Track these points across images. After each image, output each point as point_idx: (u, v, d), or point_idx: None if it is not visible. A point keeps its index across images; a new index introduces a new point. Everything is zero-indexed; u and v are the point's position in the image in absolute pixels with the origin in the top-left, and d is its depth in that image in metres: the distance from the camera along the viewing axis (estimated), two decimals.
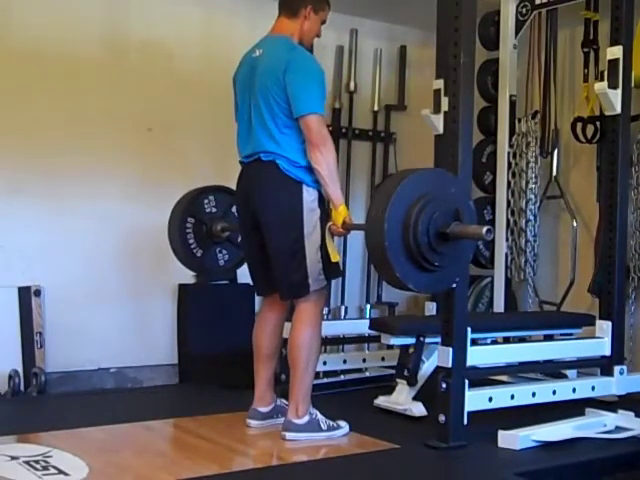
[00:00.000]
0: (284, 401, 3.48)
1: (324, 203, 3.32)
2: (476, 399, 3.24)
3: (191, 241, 3.90)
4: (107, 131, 4.55)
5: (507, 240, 4.84)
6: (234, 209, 4.05)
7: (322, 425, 3.32)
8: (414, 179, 2.92)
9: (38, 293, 4.36)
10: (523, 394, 3.45)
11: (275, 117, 3.28)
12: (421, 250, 2.84)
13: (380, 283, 5.46)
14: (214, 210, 3.96)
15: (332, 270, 3.34)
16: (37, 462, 2.86)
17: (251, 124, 3.38)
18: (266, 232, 3.31)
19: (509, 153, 4.84)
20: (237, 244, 3.98)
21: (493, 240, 4.85)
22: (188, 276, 4.58)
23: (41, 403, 4.03)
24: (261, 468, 3.01)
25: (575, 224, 4.84)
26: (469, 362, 3.22)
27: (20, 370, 4.18)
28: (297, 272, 3.27)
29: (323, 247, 3.28)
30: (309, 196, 3.27)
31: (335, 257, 3.29)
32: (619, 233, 3.78)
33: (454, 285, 3.07)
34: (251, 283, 4.71)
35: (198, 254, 3.92)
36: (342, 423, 3.39)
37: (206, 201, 3.95)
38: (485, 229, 2.84)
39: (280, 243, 3.28)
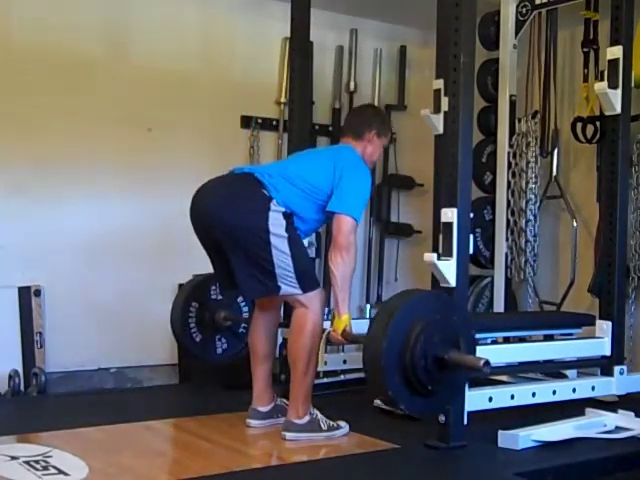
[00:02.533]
0: (284, 400, 3.49)
1: (291, 220, 3.28)
2: (476, 399, 3.24)
3: (192, 325, 3.93)
4: (107, 131, 4.55)
5: (507, 240, 4.84)
6: (240, 299, 4.06)
7: (322, 425, 3.32)
8: (418, 300, 2.96)
9: (38, 293, 4.36)
10: (523, 394, 3.45)
11: (304, 173, 3.31)
12: (416, 372, 2.85)
13: (380, 283, 5.46)
14: (219, 297, 3.99)
15: (308, 283, 3.29)
16: (37, 462, 2.86)
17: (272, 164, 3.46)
18: (223, 240, 3.25)
19: (509, 153, 4.84)
20: (238, 335, 4.02)
21: (493, 240, 4.88)
22: (188, 276, 4.58)
23: (41, 403, 4.03)
24: (261, 468, 3.01)
25: (575, 224, 4.84)
26: None
27: (20, 370, 4.18)
28: (261, 276, 3.23)
29: (298, 261, 3.24)
30: (275, 207, 3.23)
31: (320, 363, 3.33)
32: (619, 233, 3.78)
33: (444, 411, 3.08)
34: None
35: (197, 339, 3.95)
36: (342, 423, 3.39)
37: (213, 287, 3.98)
38: (483, 362, 2.83)
39: (241, 247, 3.22)
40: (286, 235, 3.23)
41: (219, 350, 4.02)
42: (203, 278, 3.96)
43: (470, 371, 2.93)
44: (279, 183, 3.28)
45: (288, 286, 3.26)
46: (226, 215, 3.23)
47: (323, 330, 3.33)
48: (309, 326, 3.29)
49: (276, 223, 3.22)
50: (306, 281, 3.28)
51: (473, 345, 3.05)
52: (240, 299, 4.07)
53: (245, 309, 4.09)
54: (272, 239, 3.20)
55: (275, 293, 3.30)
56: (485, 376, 2.96)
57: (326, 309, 4.73)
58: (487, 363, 2.82)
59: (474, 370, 2.88)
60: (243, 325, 4.02)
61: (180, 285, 4.66)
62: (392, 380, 2.85)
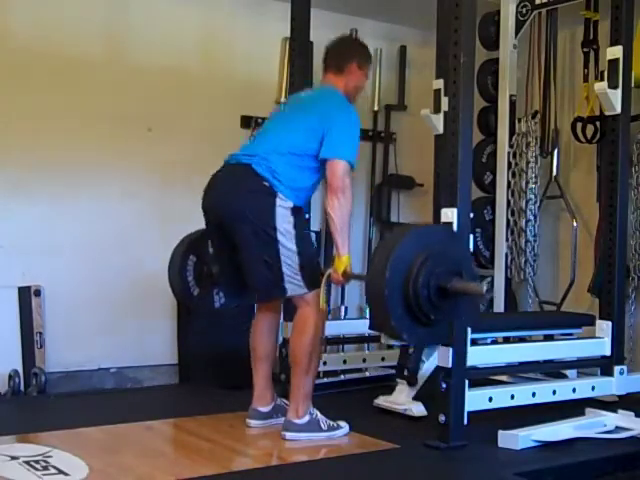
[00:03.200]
0: (284, 400, 3.49)
1: (300, 213, 3.31)
2: (476, 399, 3.24)
3: (189, 279, 3.91)
4: (107, 131, 4.55)
5: (507, 240, 4.84)
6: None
7: (322, 425, 3.32)
8: (419, 233, 2.97)
9: (38, 293, 4.36)
10: (523, 394, 3.45)
11: (291, 142, 3.30)
12: (420, 303, 2.86)
13: None
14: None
15: (313, 281, 3.30)
16: (37, 462, 2.86)
17: (267, 136, 3.41)
18: (235, 235, 3.27)
19: (509, 153, 4.84)
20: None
21: (493, 240, 4.88)
22: None
23: (41, 403, 4.02)
24: (261, 468, 3.00)
25: (575, 224, 4.84)
26: (469, 362, 3.22)
27: (20, 370, 4.18)
28: (269, 274, 3.24)
29: (304, 258, 3.26)
30: (282, 203, 3.24)
31: (323, 306, 3.29)
32: (619, 233, 3.79)
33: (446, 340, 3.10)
34: None
35: (194, 292, 3.93)
36: (342, 423, 3.39)
37: (210, 241, 3.96)
38: (485, 288, 2.86)
39: (250, 244, 3.24)
40: (293, 232, 3.24)
41: (217, 304, 3.99)
42: (202, 232, 3.93)
43: (472, 299, 2.92)
44: (277, 164, 3.26)
45: (294, 285, 3.26)
46: (236, 214, 3.24)
47: (327, 276, 3.28)
48: (311, 326, 3.29)
49: (283, 220, 3.23)
50: (311, 279, 3.29)
51: (474, 277, 3.05)
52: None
53: None
54: (279, 236, 3.21)
55: (281, 295, 3.31)
56: (485, 302, 2.98)
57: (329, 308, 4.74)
58: (489, 290, 2.84)
59: (476, 296, 2.88)
60: None
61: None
62: (395, 310, 2.84)
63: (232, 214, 3.26)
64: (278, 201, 3.23)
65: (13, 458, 2.89)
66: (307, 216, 4.12)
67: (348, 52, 3.53)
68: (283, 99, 5.01)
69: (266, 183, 3.25)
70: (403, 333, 2.92)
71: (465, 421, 3.17)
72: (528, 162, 4.80)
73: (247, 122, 4.98)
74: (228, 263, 3.40)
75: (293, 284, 3.26)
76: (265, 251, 3.22)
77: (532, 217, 4.81)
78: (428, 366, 3.73)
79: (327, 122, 3.28)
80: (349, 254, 3.30)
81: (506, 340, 4.25)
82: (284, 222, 3.23)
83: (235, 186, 3.29)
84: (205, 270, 3.89)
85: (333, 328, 4.47)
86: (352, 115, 3.37)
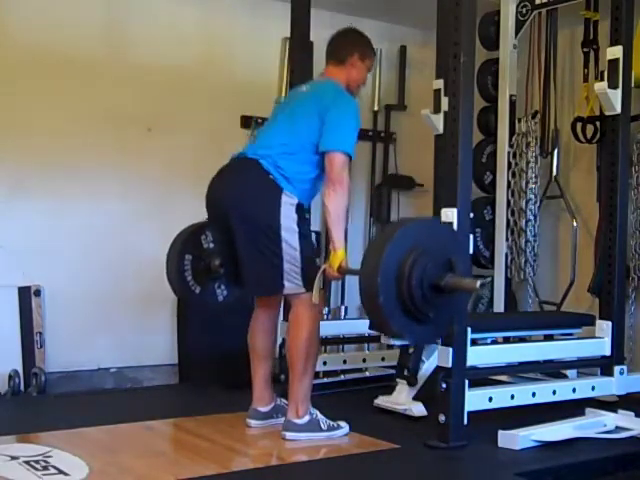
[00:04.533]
0: (284, 400, 3.49)
1: (303, 212, 3.30)
2: (476, 399, 3.24)
3: (189, 278, 3.91)
4: (107, 131, 4.55)
5: (507, 240, 4.84)
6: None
7: (322, 425, 3.32)
8: (406, 231, 2.93)
9: (38, 293, 4.36)
10: (523, 394, 3.45)
11: (294, 138, 3.30)
12: (415, 303, 2.85)
13: None
14: (211, 246, 3.95)
15: (311, 281, 3.28)
16: (37, 462, 2.86)
17: (270, 132, 3.41)
18: (238, 229, 3.26)
19: (509, 153, 4.84)
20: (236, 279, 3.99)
21: (493, 240, 4.88)
22: None
23: (41, 403, 4.03)
24: (261, 468, 3.00)
25: (575, 224, 4.84)
26: (469, 362, 3.22)
27: (20, 370, 4.19)
28: (270, 270, 3.24)
29: (305, 257, 3.26)
30: (287, 199, 3.24)
31: (316, 298, 3.26)
32: (619, 233, 3.79)
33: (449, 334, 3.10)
34: None
35: (196, 290, 3.93)
36: (342, 423, 3.39)
37: (203, 237, 3.95)
38: (479, 283, 2.84)
39: (253, 239, 3.24)
40: (297, 229, 3.24)
41: (220, 297, 3.98)
42: (192, 229, 3.92)
43: (468, 294, 2.90)
44: (281, 160, 3.26)
45: (292, 283, 3.26)
46: (240, 208, 3.24)
47: (321, 291, 3.29)
48: (308, 325, 3.29)
49: (288, 216, 3.23)
50: (309, 278, 3.28)
51: (468, 265, 3.03)
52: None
53: None
54: (283, 233, 3.21)
55: (279, 290, 3.30)
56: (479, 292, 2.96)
57: (325, 309, 4.75)
58: (483, 284, 2.82)
59: (470, 292, 2.86)
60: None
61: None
62: (394, 317, 2.83)
63: (237, 207, 3.26)
64: (284, 197, 3.23)
65: (13, 458, 2.89)
66: (307, 216, 4.12)
67: (350, 44, 3.51)
68: (283, 99, 5.01)
69: (271, 177, 3.25)
70: (404, 334, 2.92)
71: (465, 421, 3.17)
72: (528, 162, 4.80)
73: (247, 122, 4.98)
74: (229, 254, 3.38)
75: (292, 282, 3.26)
76: (268, 247, 3.22)
77: (532, 217, 4.81)
78: (428, 366, 3.73)
79: (325, 114, 3.27)
80: (344, 249, 3.29)
81: (506, 340, 4.25)
82: (289, 219, 3.23)
83: (241, 179, 3.29)
84: (202, 266, 3.89)
85: (333, 328, 4.48)
86: (350, 106, 3.35)
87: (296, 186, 3.27)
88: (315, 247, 4.56)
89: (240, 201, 3.26)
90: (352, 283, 5.29)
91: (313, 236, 4.29)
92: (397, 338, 2.98)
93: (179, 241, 3.90)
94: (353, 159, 3.32)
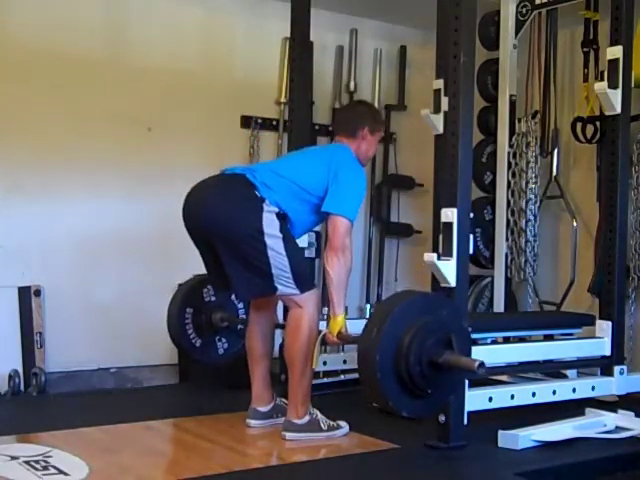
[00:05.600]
0: (284, 400, 3.49)
1: (284, 220, 3.27)
2: (476, 399, 3.24)
3: (190, 331, 3.93)
4: (107, 131, 4.55)
5: (507, 240, 4.84)
6: (233, 297, 4.03)
7: (322, 425, 3.32)
8: (406, 306, 2.92)
9: (38, 293, 4.36)
10: (523, 394, 3.45)
11: (297, 173, 3.30)
12: (413, 379, 2.85)
13: (380, 283, 5.46)
14: (213, 299, 3.98)
15: (304, 283, 3.29)
16: (37, 462, 2.86)
17: (272, 166, 3.39)
18: (217, 242, 3.23)
19: (509, 153, 4.84)
20: (237, 333, 4.01)
21: (493, 240, 4.88)
22: (188, 276, 4.57)
23: (41, 403, 4.03)
24: (261, 468, 3.00)
25: (575, 224, 4.84)
26: None
27: (20, 370, 4.19)
28: (257, 278, 3.23)
29: (293, 261, 3.24)
30: (269, 208, 3.22)
31: (315, 364, 3.30)
32: (619, 233, 3.78)
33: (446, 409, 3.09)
34: None
35: (197, 344, 3.96)
36: (342, 423, 3.39)
37: (205, 290, 3.97)
38: (477, 364, 2.81)
39: (237, 250, 3.20)
40: (281, 235, 3.22)
41: (220, 351, 4.03)
42: (194, 282, 3.96)
43: (466, 372, 2.92)
44: (272, 181, 3.26)
45: (285, 287, 3.26)
46: (219, 217, 3.21)
47: (320, 331, 3.32)
48: (305, 327, 3.28)
49: (270, 224, 3.21)
50: (302, 281, 3.28)
51: (468, 342, 3.03)
52: (234, 296, 4.02)
53: (240, 306, 4.07)
54: (267, 240, 3.19)
55: (272, 292, 3.30)
56: (481, 377, 2.95)
57: (325, 309, 4.74)
58: (482, 365, 2.81)
59: (469, 371, 2.87)
60: (240, 323, 4.01)
61: (180, 285, 4.67)
62: (391, 391, 2.84)
63: (214, 221, 3.21)
64: (265, 207, 3.21)
65: (13, 458, 2.89)
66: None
67: (360, 117, 3.51)
68: (283, 99, 5.02)
69: (255, 191, 3.23)
70: (402, 411, 2.92)
71: (465, 421, 3.17)
72: (528, 162, 4.80)
73: (247, 122, 4.99)
74: (214, 263, 3.33)
75: (283, 284, 3.25)
76: (254, 256, 3.20)
77: (532, 217, 4.81)
78: None
79: (334, 172, 3.28)
80: (344, 314, 3.30)
81: (506, 340, 4.25)
82: (271, 226, 3.21)
83: (219, 192, 3.28)
84: (204, 319, 3.92)
85: None
86: (361, 174, 3.38)
87: (279, 202, 3.24)
88: (315, 246, 4.57)
89: (219, 215, 3.20)
90: (352, 283, 5.29)
91: (313, 236, 4.30)
92: (394, 413, 2.97)
93: (180, 294, 3.94)
94: (353, 225, 3.31)
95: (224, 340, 4.02)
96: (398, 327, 2.85)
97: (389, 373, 2.82)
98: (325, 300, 3.54)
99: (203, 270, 3.66)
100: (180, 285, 4.08)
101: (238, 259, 3.22)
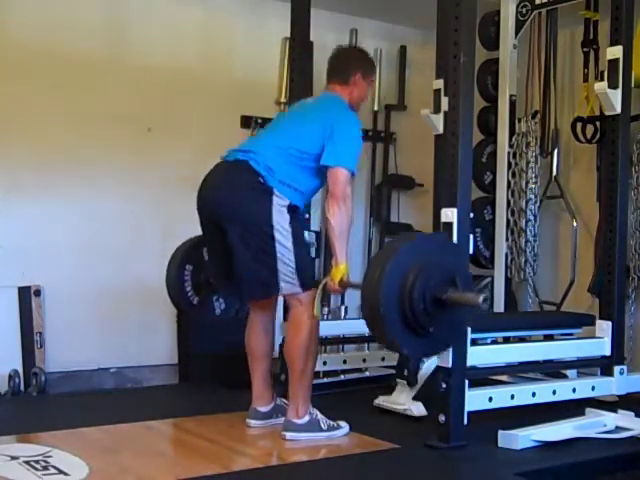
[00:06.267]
0: (284, 400, 3.49)
1: (297, 213, 3.29)
2: (476, 399, 3.24)
3: (188, 289, 3.92)
4: (107, 131, 4.55)
5: (507, 240, 4.84)
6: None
7: (322, 425, 3.32)
8: (411, 246, 2.94)
9: (38, 293, 4.36)
10: (523, 394, 3.45)
11: (289, 145, 3.29)
12: (417, 316, 2.86)
13: None
14: None
15: (307, 281, 3.30)
16: (37, 462, 2.86)
17: (265, 138, 3.39)
18: (229, 227, 3.25)
19: (509, 153, 4.84)
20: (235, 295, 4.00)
21: (493, 240, 4.88)
22: None
23: (41, 403, 4.03)
24: (261, 468, 3.00)
25: (575, 224, 4.84)
26: (469, 362, 3.22)
27: (20, 370, 4.19)
28: (265, 271, 3.24)
29: (299, 257, 3.26)
30: (279, 200, 3.24)
31: (317, 314, 3.29)
32: (619, 233, 3.78)
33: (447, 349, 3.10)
34: None
35: (194, 302, 3.94)
36: (342, 423, 3.39)
37: (205, 249, 3.97)
38: (481, 298, 2.84)
39: (246, 240, 3.23)
40: (290, 230, 3.23)
41: (217, 311, 4.00)
42: (196, 240, 3.94)
43: (469, 309, 2.92)
44: (274, 160, 3.26)
45: (288, 284, 3.26)
46: (232, 211, 3.24)
47: (325, 284, 3.30)
48: (306, 325, 3.29)
49: (280, 218, 3.22)
50: (306, 278, 3.29)
51: (470, 283, 3.05)
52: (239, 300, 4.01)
53: None
54: (276, 234, 3.21)
55: (275, 292, 3.30)
56: (484, 310, 2.98)
57: (325, 309, 4.74)
58: (486, 299, 2.83)
59: (473, 307, 2.87)
60: None
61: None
62: (394, 328, 2.85)
63: (227, 212, 3.25)
64: (275, 199, 3.23)
65: (13, 458, 2.89)
66: (307, 216, 4.12)
67: (352, 63, 3.51)
68: (283, 99, 5.01)
69: (261, 179, 3.24)
70: (403, 348, 2.94)
71: (465, 421, 3.17)
72: (528, 162, 4.80)
73: (247, 122, 4.99)
74: (222, 259, 3.36)
75: (288, 282, 3.26)
76: (262, 249, 3.22)
77: (532, 217, 4.81)
78: (428, 366, 3.72)
79: (330, 128, 3.28)
80: (347, 262, 3.30)
81: (506, 340, 4.25)
82: (281, 220, 3.22)
83: (230, 184, 3.28)
84: (203, 278, 3.91)
85: (333, 328, 4.48)
86: (355, 125, 3.37)
87: (288, 189, 3.26)
88: (315, 246, 4.57)
89: (231, 207, 3.25)
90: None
91: (313, 235, 4.30)
92: (395, 350, 2.98)
93: (180, 252, 3.92)
94: (355, 176, 3.33)
95: (221, 301, 4.00)
96: (401, 267, 2.86)
97: (393, 311, 2.83)
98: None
99: None
100: (180, 246, 4.03)
101: (247, 253, 3.22)
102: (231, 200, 3.25)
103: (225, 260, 3.31)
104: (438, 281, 2.89)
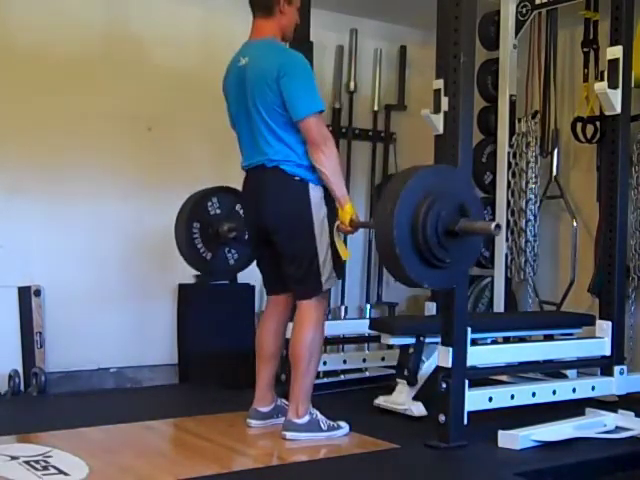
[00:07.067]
0: (284, 401, 3.49)
1: (330, 200, 3.31)
2: (476, 399, 3.24)
3: (199, 245, 3.91)
4: (107, 131, 4.55)
5: (507, 240, 4.84)
6: (238, 207, 4.01)
7: (322, 425, 3.32)
8: (419, 178, 2.92)
9: (38, 293, 4.36)
10: (523, 394, 3.45)
11: (273, 124, 3.26)
12: (431, 249, 2.85)
13: (380, 283, 5.46)
14: (218, 212, 3.95)
15: (340, 267, 3.34)
16: (37, 462, 2.86)
17: (252, 134, 3.35)
18: (276, 236, 3.31)
19: (509, 153, 4.84)
20: (245, 242, 3.99)
21: (493, 240, 4.88)
22: (188, 276, 4.58)
23: (41, 403, 4.02)
24: (261, 468, 3.00)
25: (575, 224, 4.84)
26: (469, 362, 3.22)
27: (20, 370, 4.18)
28: (311, 273, 3.27)
29: (332, 245, 3.28)
30: (315, 194, 3.26)
31: (345, 254, 3.29)
32: (619, 233, 3.78)
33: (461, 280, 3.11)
34: (251, 283, 4.76)
35: (208, 257, 3.94)
36: (342, 423, 3.38)
37: (209, 203, 3.95)
38: (494, 225, 2.86)
39: (292, 246, 3.28)
40: (326, 223, 3.26)
41: (231, 261, 4.01)
42: (197, 197, 3.94)
43: (483, 236, 2.92)
44: (278, 146, 3.25)
45: (329, 279, 3.30)
46: (277, 221, 3.28)
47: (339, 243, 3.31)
48: (312, 326, 3.29)
49: (318, 211, 3.26)
50: (329, 276, 3.32)
51: (481, 210, 3.05)
52: (238, 206, 3.97)
53: None
54: (316, 231, 3.25)
55: (320, 291, 3.32)
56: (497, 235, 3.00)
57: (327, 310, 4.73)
58: (498, 226, 2.84)
59: (486, 235, 2.87)
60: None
61: (180, 285, 4.68)
62: (410, 263, 2.84)
63: (273, 220, 3.29)
64: (311, 192, 3.25)
65: (13, 458, 2.89)
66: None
67: None
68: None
69: (297, 178, 3.26)
70: (424, 282, 2.94)
71: (465, 421, 3.17)
72: (528, 162, 4.80)
73: None
74: (270, 263, 3.43)
75: (327, 277, 3.30)
76: (305, 250, 3.26)
77: (532, 217, 4.81)
78: (428, 366, 3.73)
79: (280, 85, 3.20)
80: (351, 202, 3.28)
81: (506, 340, 4.25)
82: (319, 214, 3.26)
83: (270, 192, 3.29)
84: (211, 232, 3.91)
85: (333, 328, 4.46)
86: (299, 62, 3.29)
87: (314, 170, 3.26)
88: None
89: (274, 214, 3.28)
90: (352, 283, 5.31)
91: None
92: (415, 286, 2.98)
93: (186, 210, 3.91)
94: (324, 111, 3.28)
95: (233, 251, 4.00)
96: (411, 200, 2.84)
97: (407, 247, 2.82)
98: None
99: None
100: (183, 204, 4.04)
101: (294, 259, 3.28)
102: (274, 206, 3.28)
103: (273, 261, 3.37)
104: (449, 212, 2.88)
